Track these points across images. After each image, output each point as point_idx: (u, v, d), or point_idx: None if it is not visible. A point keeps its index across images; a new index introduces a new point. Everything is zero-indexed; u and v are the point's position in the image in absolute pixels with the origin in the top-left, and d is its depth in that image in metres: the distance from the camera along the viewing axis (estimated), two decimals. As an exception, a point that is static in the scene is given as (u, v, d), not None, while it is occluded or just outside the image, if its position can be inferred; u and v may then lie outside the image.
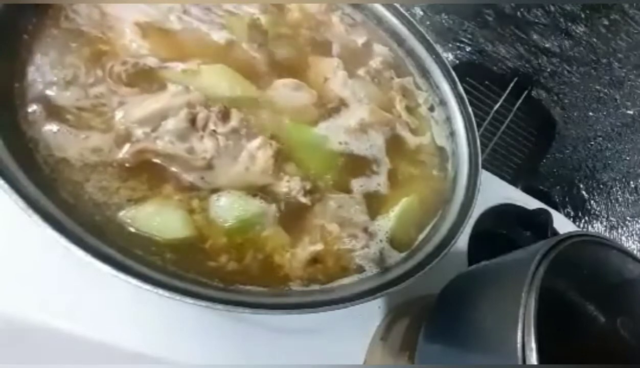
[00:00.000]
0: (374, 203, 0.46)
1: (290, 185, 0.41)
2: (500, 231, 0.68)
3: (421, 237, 0.47)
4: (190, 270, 0.33)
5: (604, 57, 0.83)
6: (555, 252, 0.32)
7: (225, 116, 0.40)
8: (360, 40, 0.59)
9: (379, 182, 0.47)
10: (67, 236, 0.28)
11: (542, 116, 0.98)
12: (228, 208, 0.37)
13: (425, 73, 0.61)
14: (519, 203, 0.74)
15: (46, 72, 0.36)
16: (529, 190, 0.84)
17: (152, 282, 0.29)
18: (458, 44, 0.95)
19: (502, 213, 0.71)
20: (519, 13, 0.85)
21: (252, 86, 0.45)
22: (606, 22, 0.79)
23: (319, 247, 0.39)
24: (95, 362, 0.38)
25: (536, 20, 0.84)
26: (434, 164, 0.54)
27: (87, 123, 0.35)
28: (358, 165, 0.47)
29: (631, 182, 0.92)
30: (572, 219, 0.99)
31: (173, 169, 0.37)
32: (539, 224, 0.68)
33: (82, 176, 0.33)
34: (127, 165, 0.35)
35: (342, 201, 0.43)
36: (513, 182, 0.87)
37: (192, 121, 0.38)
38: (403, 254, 0.44)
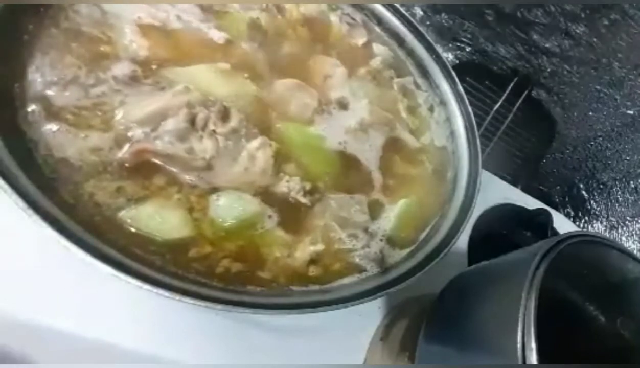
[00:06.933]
0: (374, 204, 0.46)
1: (290, 186, 0.41)
2: (500, 231, 0.68)
3: (421, 237, 0.47)
4: (190, 270, 0.33)
5: (604, 57, 0.83)
6: (555, 252, 0.32)
7: (224, 116, 0.40)
8: (360, 40, 0.59)
9: (378, 182, 0.47)
10: (67, 236, 0.28)
11: (542, 116, 0.98)
12: (227, 208, 0.37)
13: (425, 73, 0.61)
14: (519, 203, 0.74)
15: (46, 72, 0.35)
16: (529, 190, 0.84)
17: (152, 282, 0.29)
18: (458, 44, 0.95)
19: (502, 213, 0.71)
20: (519, 13, 0.85)
21: (252, 86, 0.45)
22: (606, 22, 0.78)
23: (319, 247, 0.39)
24: (95, 362, 0.38)
25: (536, 20, 0.84)
26: (434, 164, 0.54)
27: (87, 123, 0.35)
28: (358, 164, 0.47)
29: (631, 182, 0.92)
30: (572, 219, 0.99)
31: (173, 169, 0.37)
32: (539, 224, 0.68)
33: (82, 176, 0.33)
34: (126, 165, 0.35)
35: (342, 201, 0.43)
36: (513, 182, 0.87)
37: (192, 121, 0.38)
38: (403, 254, 0.44)
